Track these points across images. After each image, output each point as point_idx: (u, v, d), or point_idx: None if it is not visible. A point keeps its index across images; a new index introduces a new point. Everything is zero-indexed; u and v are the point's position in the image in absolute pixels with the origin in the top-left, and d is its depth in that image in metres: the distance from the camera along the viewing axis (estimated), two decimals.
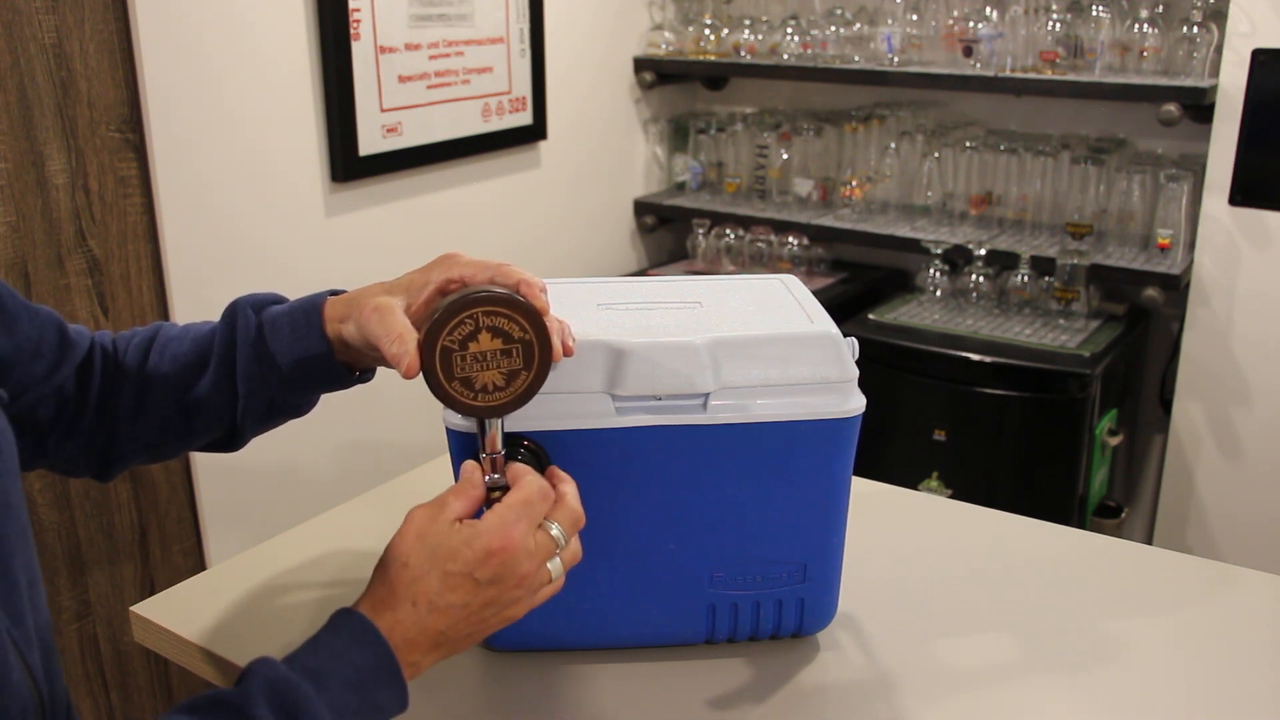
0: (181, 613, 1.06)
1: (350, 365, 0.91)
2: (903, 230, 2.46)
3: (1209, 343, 2.15)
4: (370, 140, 2.07)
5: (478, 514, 0.78)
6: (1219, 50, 2.07)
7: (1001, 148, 2.43)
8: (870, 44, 2.48)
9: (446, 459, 0.93)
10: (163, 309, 1.84)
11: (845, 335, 0.92)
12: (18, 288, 1.38)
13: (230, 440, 0.96)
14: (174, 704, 1.89)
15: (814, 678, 0.96)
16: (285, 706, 0.68)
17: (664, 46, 2.76)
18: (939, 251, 2.39)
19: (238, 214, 1.90)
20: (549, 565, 0.78)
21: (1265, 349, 2.10)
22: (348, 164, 2.04)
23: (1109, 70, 2.21)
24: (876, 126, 2.61)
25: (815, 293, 1.27)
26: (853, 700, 0.94)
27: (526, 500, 0.77)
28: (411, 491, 1.29)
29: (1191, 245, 2.18)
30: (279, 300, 0.93)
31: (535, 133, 2.45)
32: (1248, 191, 2.04)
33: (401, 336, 0.78)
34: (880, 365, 2.24)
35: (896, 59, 2.43)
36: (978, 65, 2.31)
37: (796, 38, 2.57)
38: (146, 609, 1.08)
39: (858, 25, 2.49)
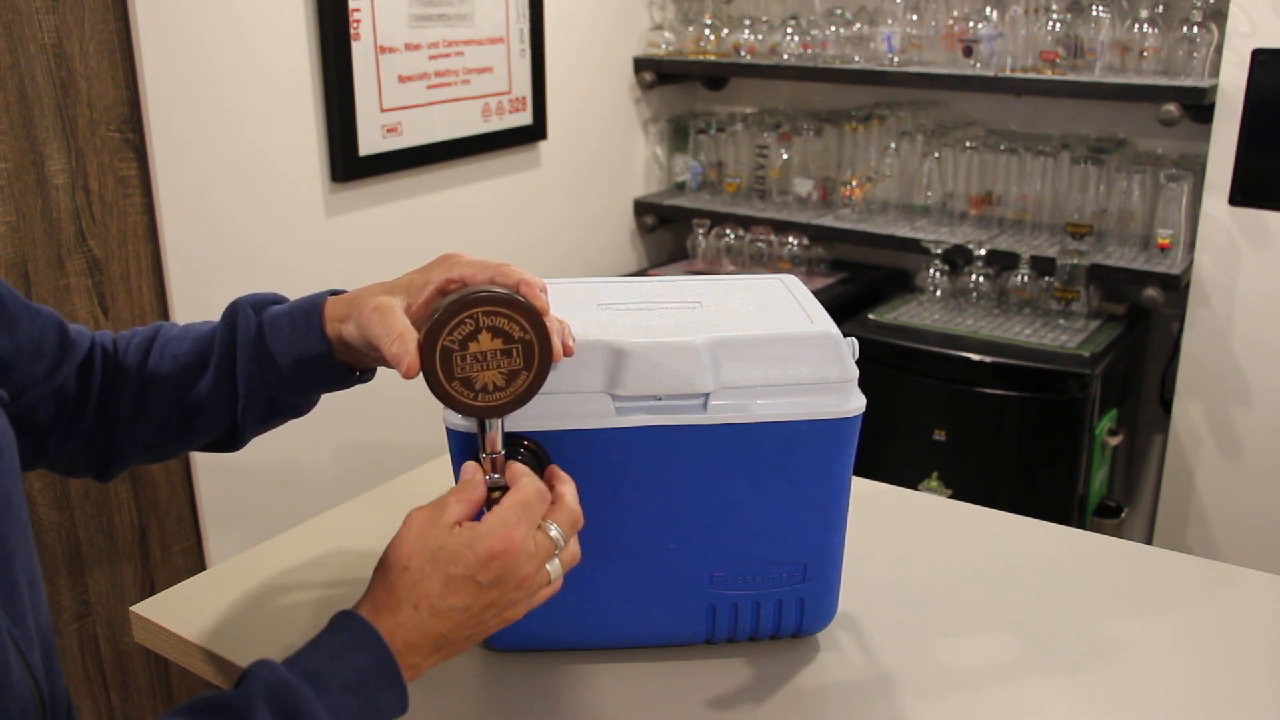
0: (181, 613, 1.06)
1: (350, 365, 0.91)
2: (903, 230, 2.46)
3: (1209, 343, 2.16)
4: (370, 140, 2.07)
5: (477, 516, 0.78)
6: (1219, 50, 2.07)
7: (1001, 148, 2.43)
8: (870, 44, 2.48)
9: (446, 459, 0.93)
10: (163, 309, 1.84)
11: (845, 335, 0.92)
12: (18, 288, 1.38)
13: (230, 440, 0.96)
14: (174, 704, 1.88)
15: (814, 678, 0.96)
16: (285, 709, 0.68)
17: (664, 46, 2.76)
18: (939, 251, 2.39)
19: (238, 214, 1.90)
20: (548, 567, 0.78)
21: (1265, 349, 2.10)
22: (348, 164, 2.04)
23: (1109, 70, 2.21)
24: (876, 126, 2.61)
25: (815, 293, 1.27)
26: (853, 700, 0.94)
27: (525, 502, 0.77)
28: (411, 491, 1.30)
29: (1191, 245, 2.18)
30: (279, 300, 0.93)
31: (535, 133, 2.45)
32: (1248, 191, 2.04)
33: (401, 336, 0.79)
34: (880, 365, 2.24)
35: (896, 59, 2.43)
36: (978, 65, 2.31)
37: (796, 38, 2.57)
38: (146, 609, 1.08)
39: (858, 25, 2.49)
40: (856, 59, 2.48)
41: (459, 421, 0.87)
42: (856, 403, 0.90)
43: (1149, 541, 2.33)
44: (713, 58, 2.70)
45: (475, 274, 0.83)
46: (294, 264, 2.00)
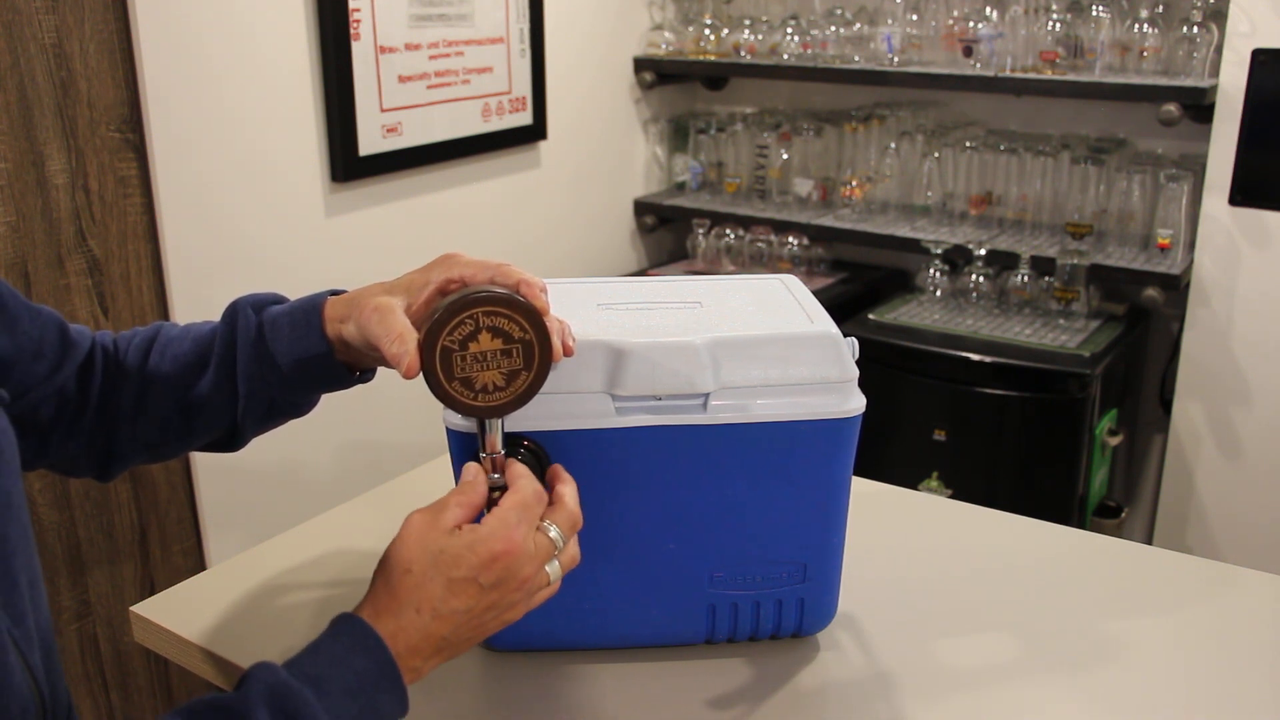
0: (181, 613, 1.06)
1: (350, 365, 0.91)
2: (903, 230, 2.46)
3: (1209, 343, 2.16)
4: (370, 140, 2.07)
5: (477, 517, 0.78)
6: (1219, 50, 2.07)
7: (1001, 148, 2.43)
8: (870, 44, 2.48)
9: (446, 459, 0.93)
10: (163, 309, 1.84)
11: (845, 335, 0.92)
12: (18, 288, 1.38)
13: (231, 440, 0.96)
14: (174, 704, 1.87)
15: (814, 678, 0.96)
16: (285, 711, 0.68)
17: (664, 46, 2.76)
18: (939, 251, 2.39)
19: (238, 214, 1.90)
20: (547, 568, 0.78)
21: (1265, 349, 2.10)
22: (348, 164, 2.04)
23: (1109, 70, 2.21)
24: (876, 126, 2.61)
25: (815, 293, 1.27)
26: (853, 700, 0.94)
27: (524, 503, 0.77)
28: (411, 491, 1.30)
29: (1191, 245, 2.18)
30: (279, 300, 0.93)
31: (535, 133, 2.45)
32: (1248, 191, 2.04)
33: (401, 336, 0.79)
34: (880, 365, 2.24)
35: (896, 59, 2.43)
36: (978, 65, 2.31)
37: (796, 38, 2.57)
38: (146, 609, 1.08)
39: (858, 25, 2.49)
40: (856, 59, 2.48)
41: (459, 421, 0.87)
42: (856, 403, 0.90)
43: (1149, 541, 2.33)
44: (713, 58, 2.70)
45: (475, 274, 0.83)
46: (294, 264, 2.00)
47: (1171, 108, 2.07)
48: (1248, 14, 1.98)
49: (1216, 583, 1.12)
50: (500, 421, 0.80)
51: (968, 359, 2.17)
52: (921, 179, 2.54)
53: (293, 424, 0.97)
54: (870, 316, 2.39)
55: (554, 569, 0.78)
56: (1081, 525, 2.21)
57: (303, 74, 1.96)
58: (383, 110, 2.08)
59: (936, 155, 2.50)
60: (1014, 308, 2.37)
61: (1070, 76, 2.20)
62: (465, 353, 0.76)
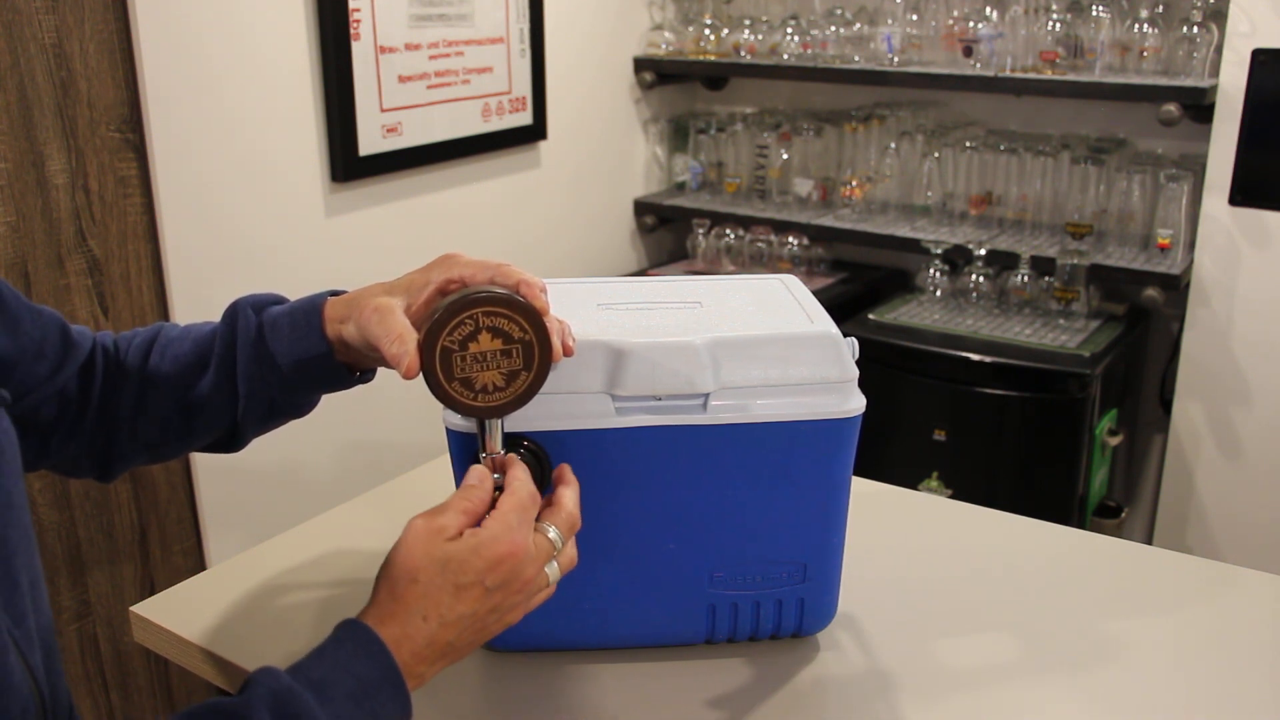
0: (181, 613, 1.06)
1: (350, 366, 0.91)
2: (903, 230, 2.46)
3: (1209, 343, 2.16)
4: (370, 140, 2.07)
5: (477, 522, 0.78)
6: (1219, 50, 2.07)
7: (1001, 148, 2.43)
8: (870, 44, 2.48)
9: (446, 459, 0.93)
10: (163, 309, 1.84)
11: (845, 335, 0.92)
12: (18, 288, 1.38)
13: (231, 441, 0.96)
14: (174, 704, 1.87)
15: (814, 678, 0.96)
16: (288, 716, 0.68)
17: (664, 46, 2.76)
18: (939, 251, 2.39)
19: (238, 214, 1.90)
20: (546, 570, 0.78)
21: (1265, 349, 2.10)
22: (348, 164, 2.04)
23: (1109, 70, 2.21)
24: (876, 126, 2.61)
25: (815, 293, 1.27)
26: (853, 700, 0.94)
27: (521, 505, 0.77)
28: (411, 491, 1.30)
29: (1191, 245, 2.18)
30: (279, 301, 0.93)
31: (535, 133, 2.45)
32: (1248, 191, 2.04)
33: (401, 337, 0.78)
34: (880, 365, 2.24)
35: (896, 59, 2.43)
36: (978, 65, 2.31)
37: (796, 38, 2.57)
38: (146, 609, 1.08)
39: (858, 25, 2.49)
40: (856, 59, 2.48)
41: (459, 421, 0.87)
42: (856, 403, 0.90)
43: (1149, 541, 2.33)
44: (713, 58, 2.70)
45: (475, 274, 0.83)
46: (294, 264, 2.00)
47: (1171, 108, 2.07)
48: (1248, 14, 1.98)
49: (1216, 583, 1.12)
50: (500, 422, 0.80)
51: (968, 359, 2.17)
52: (921, 179, 2.54)
53: (293, 424, 0.97)
54: (870, 316, 2.39)
55: (553, 570, 0.79)
56: (1081, 525, 2.21)
57: (303, 74, 1.96)
58: (383, 110, 2.08)
59: (936, 155, 2.50)
60: (1014, 308, 2.37)
61: (1070, 76, 2.20)
62: (465, 353, 0.76)
